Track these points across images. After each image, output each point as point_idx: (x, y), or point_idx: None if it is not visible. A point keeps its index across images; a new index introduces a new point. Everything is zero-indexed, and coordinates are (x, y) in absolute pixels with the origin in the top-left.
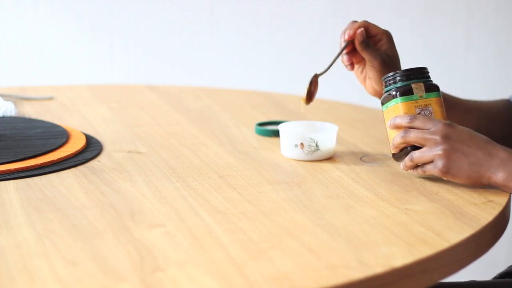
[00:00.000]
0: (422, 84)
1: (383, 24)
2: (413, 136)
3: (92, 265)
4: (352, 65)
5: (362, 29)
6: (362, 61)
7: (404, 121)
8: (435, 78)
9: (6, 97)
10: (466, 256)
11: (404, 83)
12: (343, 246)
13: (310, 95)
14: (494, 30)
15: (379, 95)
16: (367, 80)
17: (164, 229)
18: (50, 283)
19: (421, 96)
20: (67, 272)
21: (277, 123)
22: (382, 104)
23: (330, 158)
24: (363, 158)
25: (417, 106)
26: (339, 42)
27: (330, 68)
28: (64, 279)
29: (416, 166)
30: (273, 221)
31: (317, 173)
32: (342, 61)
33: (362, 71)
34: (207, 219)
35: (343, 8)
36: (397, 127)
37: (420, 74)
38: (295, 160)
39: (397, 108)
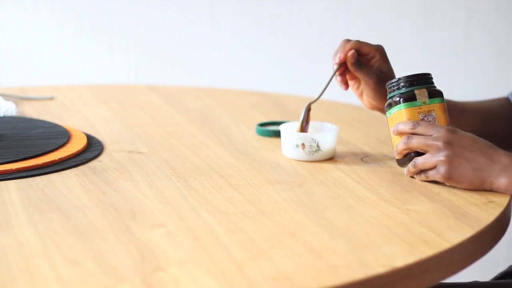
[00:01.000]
0: (425, 90)
1: (383, 24)
2: (416, 142)
3: (93, 265)
4: (346, 85)
5: (353, 51)
6: (356, 78)
7: (407, 127)
8: (435, 78)
9: (6, 97)
10: (467, 257)
11: (408, 89)
12: (344, 246)
13: (304, 124)
14: (494, 30)
15: (376, 109)
16: (364, 96)
17: (165, 229)
18: (51, 283)
19: (424, 102)
20: (68, 272)
21: (278, 123)
22: (386, 110)
23: (331, 158)
24: (364, 158)
25: (420, 112)
26: (332, 64)
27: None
28: (65, 279)
29: (419, 172)
30: (274, 221)
31: (318, 173)
32: (336, 81)
33: (358, 87)
34: (208, 219)
35: (343, 8)
36: (400, 133)
37: (423, 80)
38: (296, 160)
39: (401, 114)
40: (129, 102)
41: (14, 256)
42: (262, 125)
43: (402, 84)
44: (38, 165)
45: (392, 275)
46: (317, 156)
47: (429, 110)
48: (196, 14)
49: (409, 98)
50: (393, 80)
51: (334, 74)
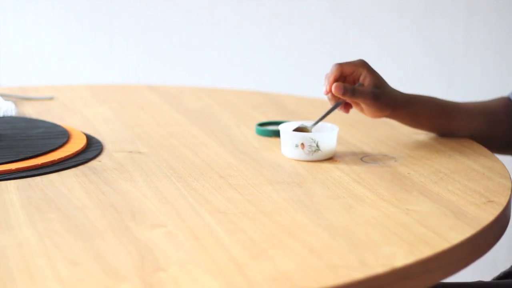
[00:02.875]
0: None
1: (383, 24)
2: None
3: (93, 265)
4: (347, 110)
5: (335, 83)
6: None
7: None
8: (435, 78)
9: (6, 97)
10: (466, 256)
11: None
12: (344, 246)
13: None
14: (494, 30)
15: (379, 117)
16: (365, 110)
17: (165, 229)
18: (51, 283)
19: None
20: (68, 272)
21: (277, 123)
22: None
23: (330, 158)
24: (363, 158)
25: None
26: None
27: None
28: (65, 279)
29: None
30: (274, 221)
31: (317, 173)
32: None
33: (357, 105)
34: (208, 219)
35: (343, 8)
36: None
37: None
38: (295, 160)
39: None
40: (129, 102)
41: (14, 256)
42: (262, 125)
43: None
44: (38, 165)
45: (392, 275)
46: (317, 156)
47: None
48: (196, 14)
49: None
50: None
51: (334, 109)
